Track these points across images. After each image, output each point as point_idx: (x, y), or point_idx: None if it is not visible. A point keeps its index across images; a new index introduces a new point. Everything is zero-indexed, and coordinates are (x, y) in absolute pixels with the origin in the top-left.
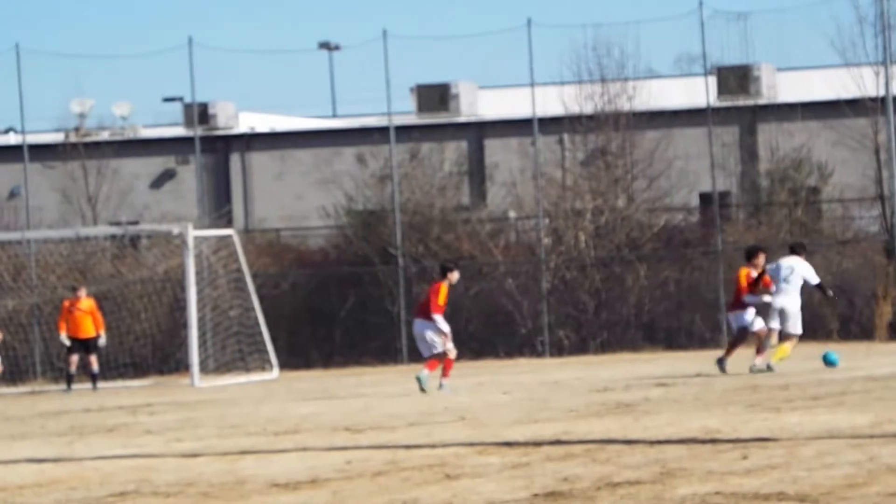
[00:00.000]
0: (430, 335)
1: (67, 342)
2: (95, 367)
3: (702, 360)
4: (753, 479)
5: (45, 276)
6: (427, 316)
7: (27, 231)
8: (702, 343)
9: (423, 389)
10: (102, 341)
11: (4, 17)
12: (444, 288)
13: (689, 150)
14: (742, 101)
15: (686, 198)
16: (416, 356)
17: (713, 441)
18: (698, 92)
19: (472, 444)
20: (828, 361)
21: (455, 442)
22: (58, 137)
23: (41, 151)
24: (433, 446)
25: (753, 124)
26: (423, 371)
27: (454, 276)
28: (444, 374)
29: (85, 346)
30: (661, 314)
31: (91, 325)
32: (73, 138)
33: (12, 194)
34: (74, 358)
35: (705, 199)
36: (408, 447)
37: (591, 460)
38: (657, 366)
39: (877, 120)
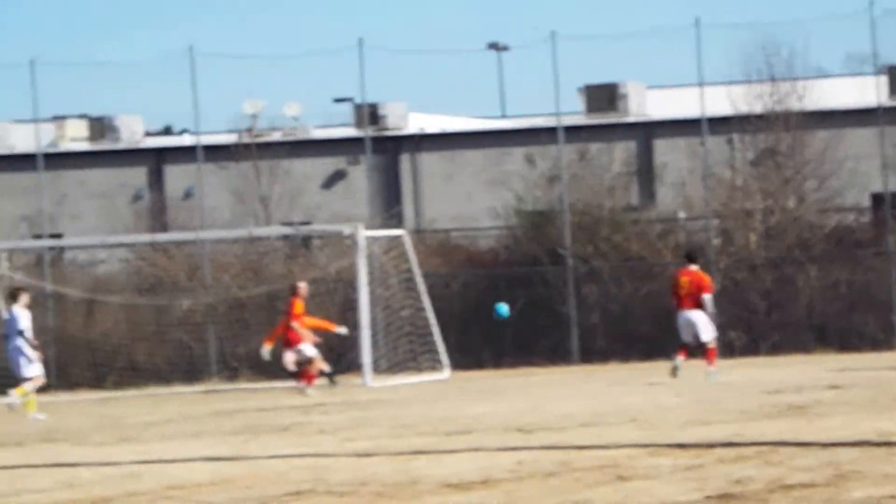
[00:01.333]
0: (702, 322)
1: (267, 356)
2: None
3: (874, 361)
4: None
5: (219, 276)
6: (697, 304)
7: (201, 231)
8: (874, 344)
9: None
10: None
11: (179, 20)
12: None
13: (860, 151)
14: None
15: (857, 198)
16: (586, 356)
17: (888, 444)
18: (869, 91)
19: (643, 446)
20: (498, 314)
21: (627, 443)
22: (231, 138)
23: (215, 152)
24: (605, 447)
25: None
26: (680, 358)
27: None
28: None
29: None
30: (833, 315)
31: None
32: (245, 139)
33: (187, 195)
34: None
35: (877, 199)
36: (579, 448)
37: (764, 462)
38: (829, 367)
39: None
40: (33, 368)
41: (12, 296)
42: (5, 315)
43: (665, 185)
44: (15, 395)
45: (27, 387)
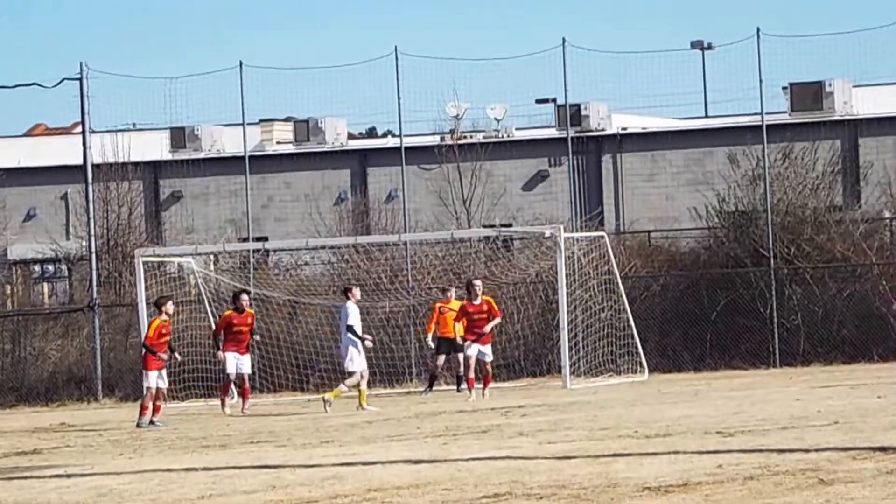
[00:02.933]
0: None
1: (432, 343)
2: (461, 369)
3: None
4: None
5: (421, 278)
6: None
7: (404, 233)
8: None
9: None
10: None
11: (383, 23)
12: None
13: None
14: None
15: None
16: (788, 359)
17: None
18: None
19: (846, 449)
20: None
21: (829, 446)
22: (434, 140)
23: (418, 154)
24: (806, 451)
25: None
26: None
27: None
28: None
29: (452, 345)
30: None
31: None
32: (448, 141)
33: (390, 197)
34: (441, 359)
35: None
36: (780, 451)
37: None
38: None
39: None
40: (356, 363)
41: (234, 298)
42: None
43: (870, 184)
44: (330, 395)
45: (349, 382)
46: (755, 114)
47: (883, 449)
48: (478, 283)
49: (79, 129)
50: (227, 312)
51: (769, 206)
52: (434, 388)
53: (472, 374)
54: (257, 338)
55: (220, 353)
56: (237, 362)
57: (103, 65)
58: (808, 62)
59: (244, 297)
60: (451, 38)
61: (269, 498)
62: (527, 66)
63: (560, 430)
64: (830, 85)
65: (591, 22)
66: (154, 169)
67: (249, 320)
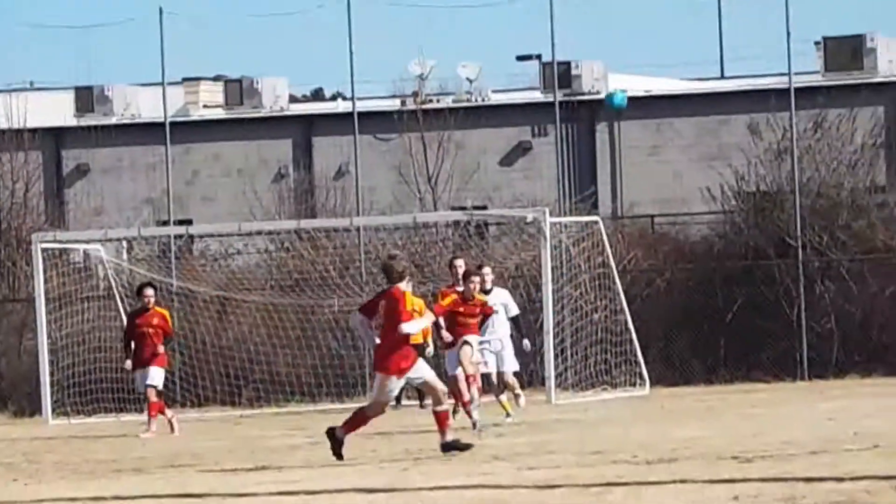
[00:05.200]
0: None
1: None
2: None
3: None
4: None
5: (377, 271)
6: None
7: (356, 217)
8: None
9: None
10: (429, 351)
11: None
12: None
13: None
14: None
15: None
16: (819, 369)
17: None
18: None
19: (887, 478)
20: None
21: (867, 475)
22: (393, 104)
23: (373, 121)
24: (840, 479)
25: None
26: None
27: None
28: None
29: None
30: None
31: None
32: (410, 105)
33: (340, 172)
34: None
35: None
36: (808, 480)
37: None
38: None
39: None
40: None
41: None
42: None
43: None
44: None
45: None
46: (782, 74)
47: None
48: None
49: None
50: (133, 311)
51: (797, 186)
52: (402, 402)
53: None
54: (161, 349)
55: (127, 362)
56: (140, 374)
57: None
58: (846, 13)
59: (148, 291)
60: None
61: None
62: (506, 15)
63: (543, 454)
64: (872, 40)
65: None
66: (56, 137)
67: (156, 321)
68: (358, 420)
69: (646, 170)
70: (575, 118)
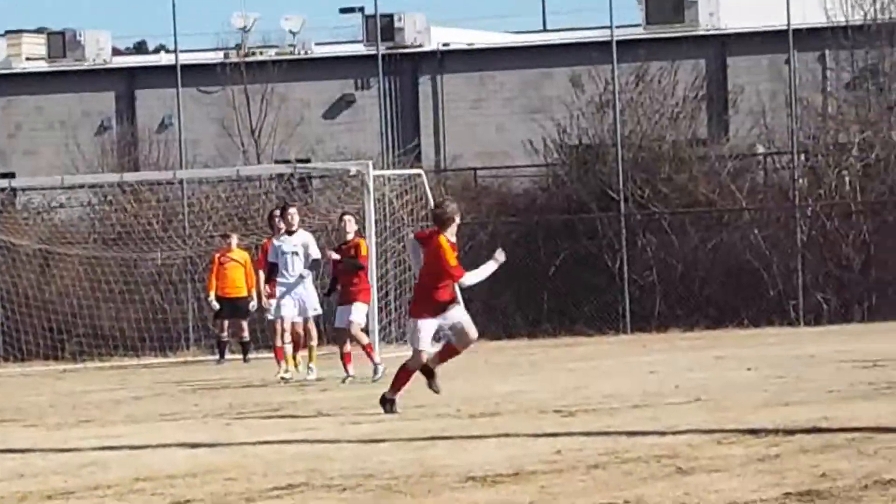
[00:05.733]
0: None
1: (216, 304)
2: (246, 334)
3: None
4: None
5: (200, 224)
6: None
7: (179, 170)
8: None
9: None
10: (253, 305)
11: None
12: None
13: None
14: None
15: None
16: (641, 323)
17: None
18: None
19: (709, 432)
20: None
21: (689, 428)
22: (216, 57)
23: (196, 74)
24: (662, 433)
25: None
26: None
27: None
28: None
29: (234, 307)
30: None
31: (244, 281)
32: (233, 58)
33: (163, 125)
34: (225, 323)
35: None
36: (631, 434)
37: (857, 452)
38: None
39: None
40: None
41: None
42: None
43: (741, 113)
44: None
45: None
46: (603, 27)
47: (753, 431)
48: (347, 217)
49: None
50: None
51: (619, 139)
52: (226, 357)
53: (349, 348)
54: None
55: None
56: None
57: None
58: None
59: None
60: None
61: (16, 489)
62: None
63: (367, 409)
64: None
65: None
66: None
67: None
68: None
69: (469, 123)
70: (398, 71)
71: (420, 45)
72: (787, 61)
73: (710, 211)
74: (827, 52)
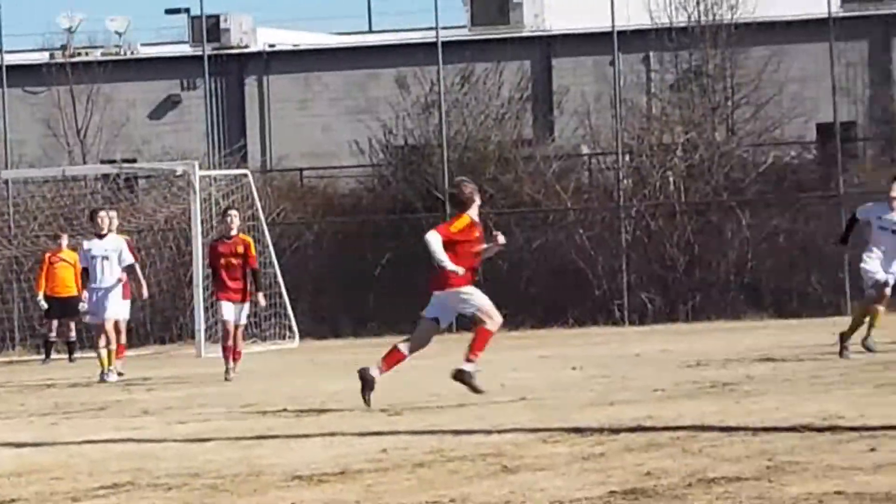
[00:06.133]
0: None
1: (44, 304)
2: (73, 334)
3: (818, 329)
4: (883, 476)
5: (26, 224)
6: None
7: (5, 170)
8: (819, 308)
9: None
10: (84, 306)
11: None
12: None
13: (806, 71)
14: (873, 10)
15: (801, 130)
16: (468, 322)
17: (833, 429)
18: None
19: (535, 431)
20: None
21: (515, 427)
22: (42, 58)
23: (22, 74)
24: (487, 432)
25: (887, 39)
26: None
27: None
28: None
29: (64, 307)
30: (769, 273)
31: (74, 281)
32: (59, 59)
33: None
34: (54, 322)
35: (824, 131)
36: (456, 433)
37: (681, 451)
38: (763, 336)
39: None
40: None
41: None
42: None
43: (566, 113)
44: None
45: None
46: (429, 28)
47: (579, 430)
48: (233, 212)
49: None
50: None
51: (445, 140)
52: (52, 356)
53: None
54: None
55: None
56: None
57: None
58: None
59: None
60: None
61: None
62: None
63: (193, 408)
64: None
65: None
66: None
67: None
68: (481, 340)
69: (295, 123)
70: (224, 72)
71: (246, 46)
72: (612, 62)
73: (536, 211)
74: (651, 53)
